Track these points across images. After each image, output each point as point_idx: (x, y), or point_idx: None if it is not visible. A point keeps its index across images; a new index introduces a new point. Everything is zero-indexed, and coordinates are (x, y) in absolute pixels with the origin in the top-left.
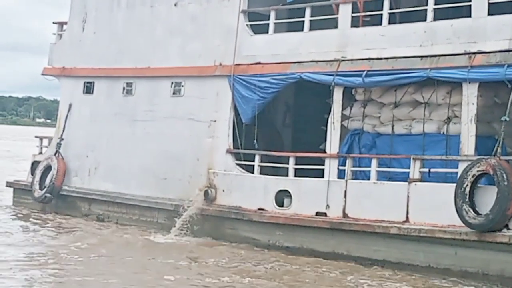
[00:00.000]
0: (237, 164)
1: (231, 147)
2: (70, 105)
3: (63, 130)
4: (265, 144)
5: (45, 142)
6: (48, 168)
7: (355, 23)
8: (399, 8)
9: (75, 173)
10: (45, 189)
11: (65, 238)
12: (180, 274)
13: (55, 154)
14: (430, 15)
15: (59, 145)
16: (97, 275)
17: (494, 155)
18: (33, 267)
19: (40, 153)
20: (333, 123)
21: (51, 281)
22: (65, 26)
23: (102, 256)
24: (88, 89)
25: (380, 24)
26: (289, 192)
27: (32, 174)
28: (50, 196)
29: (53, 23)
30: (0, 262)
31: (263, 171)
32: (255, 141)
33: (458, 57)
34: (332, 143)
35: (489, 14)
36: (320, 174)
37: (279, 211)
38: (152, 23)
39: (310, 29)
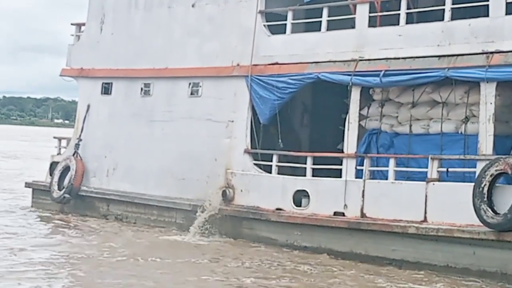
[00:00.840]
0: (255, 164)
1: (249, 147)
2: (88, 106)
3: (81, 131)
4: (283, 144)
5: (64, 143)
6: (66, 169)
7: (372, 23)
8: (417, 8)
9: (93, 174)
10: (63, 190)
11: (86, 239)
12: (202, 275)
13: (73, 154)
14: (447, 14)
15: (77, 145)
16: (121, 277)
17: None
18: (55, 269)
19: (59, 153)
20: (351, 123)
21: (75, 283)
22: (83, 28)
23: (125, 257)
24: (106, 90)
25: (398, 24)
26: (307, 192)
27: (50, 175)
28: (68, 197)
29: (71, 24)
30: (24, 264)
31: (281, 171)
32: (279, 140)
33: (476, 57)
34: (350, 143)
35: (506, 13)
36: (338, 174)
37: (297, 211)
38: (170, 24)
39: (328, 29)
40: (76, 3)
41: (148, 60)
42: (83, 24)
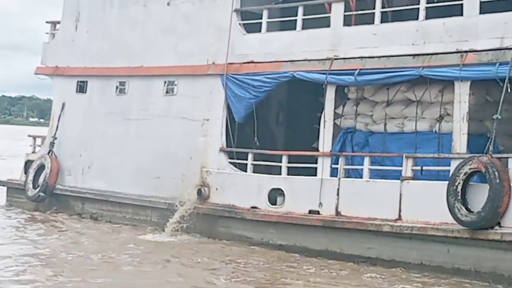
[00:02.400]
0: (230, 162)
1: (224, 145)
2: (63, 104)
3: (56, 129)
4: (258, 143)
5: (39, 141)
6: (41, 167)
7: (347, 22)
8: (391, 7)
9: (68, 172)
10: (38, 188)
11: (57, 237)
12: (168, 274)
13: (48, 153)
14: (422, 13)
15: (52, 144)
16: (88, 275)
17: (486, 153)
18: (23, 267)
19: (34, 152)
20: (326, 121)
21: (45, 279)
22: (58, 26)
23: (94, 255)
24: (81, 88)
25: (373, 23)
26: (282, 191)
27: (25, 173)
28: (43, 195)
29: (46, 22)
30: None
31: (256, 169)
32: (255, 138)
33: (450, 56)
34: (325, 142)
35: (480, 12)
36: (313, 172)
37: (272, 209)
38: (145, 22)
39: (303, 28)
40: (52, 1)
41: (123, 58)
42: (58, 22)
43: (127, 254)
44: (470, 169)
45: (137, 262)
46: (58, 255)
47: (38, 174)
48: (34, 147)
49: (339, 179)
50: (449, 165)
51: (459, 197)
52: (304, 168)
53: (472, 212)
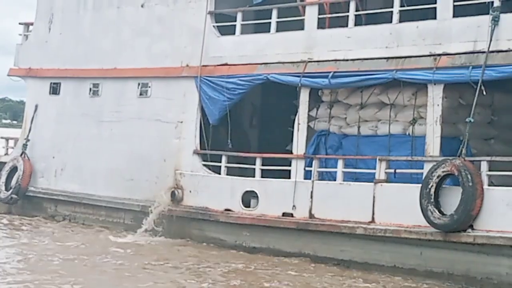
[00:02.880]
0: (204, 165)
1: (198, 148)
2: (36, 106)
3: (29, 131)
4: (232, 145)
5: (11, 143)
6: (14, 169)
7: (321, 24)
8: (365, 10)
9: (41, 174)
10: (11, 190)
11: (27, 239)
12: (139, 275)
13: (21, 155)
14: (396, 17)
15: (25, 146)
16: (53, 277)
17: (459, 156)
18: None
19: (6, 154)
20: (300, 124)
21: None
22: (31, 27)
23: (62, 257)
24: (55, 90)
25: (347, 26)
26: (256, 193)
27: None
28: (16, 197)
29: (20, 24)
30: None
31: (230, 172)
32: (229, 141)
33: (423, 59)
34: (299, 144)
35: (454, 16)
36: (286, 175)
37: (245, 212)
38: (119, 24)
39: (277, 31)
40: (25, 2)
41: (97, 60)
42: (32, 24)
43: (98, 256)
44: (443, 172)
45: (107, 265)
46: (25, 257)
47: (11, 176)
48: (7, 149)
49: (313, 181)
50: (422, 168)
51: (432, 200)
52: (278, 170)
53: (445, 215)
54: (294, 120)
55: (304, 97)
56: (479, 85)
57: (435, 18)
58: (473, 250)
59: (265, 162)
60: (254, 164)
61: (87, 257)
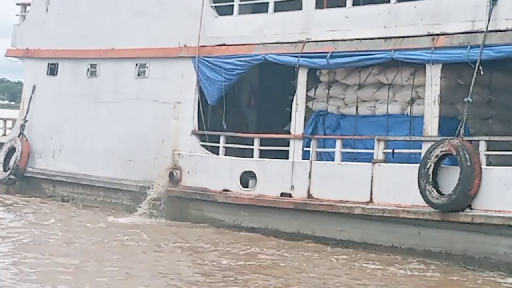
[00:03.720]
0: (202, 145)
1: (196, 128)
2: (34, 87)
3: (27, 112)
4: (230, 126)
5: (9, 124)
6: (12, 150)
7: (319, 4)
8: None
9: (39, 155)
10: (9, 171)
11: (26, 219)
12: (136, 257)
13: (19, 135)
14: None
15: (23, 126)
16: (54, 257)
17: (457, 136)
18: None
19: (4, 135)
20: (298, 104)
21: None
22: (28, 8)
23: (62, 237)
24: (52, 70)
25: (345, 6)
26: (254, 173)
27: None
28: (14, 178)
29: (17, 4)
30: None
31: (228, 152)
32: (223, 122)
33: (421, 39)
34: (297, 125)
35: None
36: (285, 155)
37: (244, 192)
38: (117, 4)
39: (275, 11)
40: None
41: (94, 40)
42: (29, 4)
43: (95, 236)
44: (441, 152)
45: (104, 245)
46: (24, 237)
47: (9, 157)
48: (5, 130)
49: (311, 162)
50: (421, 148)
51: (430, 180)
52: (276, 151)
53: (443, 194)
54: (292, 100)
55: (302, 77)
56: (477, 64)
57: None
58: (471, 230)
59: (263, 142)
60: (252, 145)
61: (80, 236)
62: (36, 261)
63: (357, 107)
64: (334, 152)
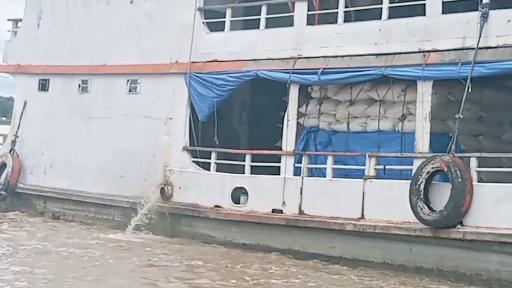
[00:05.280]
0: (194, 161)
1: (188, 144)
2: (25, 103)
3: (18, 128)
4: (221, 142)
5: (0, 139)
6: (3, 166)
7: (310, 21)
8: (354, 6)
9: (30, 171)
10: (0, 187)
11: (17, 235)
12: (128, 273)
13: (10, 151)
14: (385, 13)
15: (14, 142)
16: (44, 274)
17: (448, 152)
18: None
19: None
20: (289, 120)
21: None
22: (20, 23)
23: (53, 253)
24: (43, 86)
25: (336, 22)
26: (246, 189)
27: None
28: (5, 194)
29: (8, 20)
30: None
31: (220, 168)
32: (215, 138)
33: (412, 55)
34: (288, 141)
35: (443, 12)
36: (276, 171)
37: (235, 208)
38: (108, 20)
39: (266, 27)
40: None
41: (86, 56)
42: (20, 20)
43: (86, 252)
44: (432, 168)
45: (94, 261)
46: (15, 253)
47: (0, 172)
48: None
49: (302, 178)
50: (412, 164)
51: (422, 196)
52: (268, 167)
53: (435, 211)
54: (283, 116)
55: (293, 93)
56: (468, 81)
57: (424, 14)
58: (462, 246)
59: (254, 158)
60: (244, 161)
61: (71, 252)
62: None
63: (348, 123)
64: (325, 168)
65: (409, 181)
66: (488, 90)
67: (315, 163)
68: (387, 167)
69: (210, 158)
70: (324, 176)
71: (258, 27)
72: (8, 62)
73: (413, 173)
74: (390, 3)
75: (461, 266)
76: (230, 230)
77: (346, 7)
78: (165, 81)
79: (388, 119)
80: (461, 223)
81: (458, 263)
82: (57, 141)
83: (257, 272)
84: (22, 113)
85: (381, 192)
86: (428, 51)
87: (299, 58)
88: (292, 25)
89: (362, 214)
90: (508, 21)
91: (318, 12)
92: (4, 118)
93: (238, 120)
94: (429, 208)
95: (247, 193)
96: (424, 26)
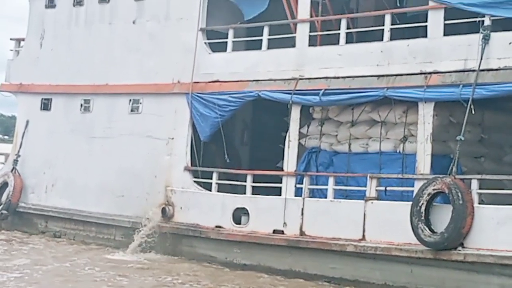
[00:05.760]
0: (195, 181)
1: (189, 164)
2: (27, 122)
3: (20, 147)
4: (222, 162)
5: (2, 158)
6: (4, 185)
7: (312, 42)
8: (356, 28)
9: (32, 190)
10: (1, 206)
11: (19, 255)
12: None
13: (11, 170)
14: (386, 35)
15: (16, 161)
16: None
17: (449, 174)
18: None
19: None
20: (291, 141)
21: None
22: (22, 43)
23: (55, 273)
24: (46, 105)
25: (338, 43)
26: (247, 210)
27: None
28: (6, 213)
29: (11, 39)
30: None
31: (221, 188)
32: (225, 155)
33: (414, 77)
34: (290, 161)
35: (444, 34)
36: (277, 192)
37: (236, 229)
38: (110, 40)
39: (268, 48)
40: (15, 15)
41: (88, 76)
42: (23, 39)
43: (88, 272)
44: (433, 190)
45: (96, 281)
46: (17, 273)
47: (1, 192)
48: None
49: (304, 199)
50: (413, 186)
51: (423, 218)
52: (269, 187)
53: (436, 232)
54: (285, 137)
55: (295, 114)
56: (469, 103)
57: (426, 36)
58: (463, 268)
59: (256, 179)
60: (245, 181)
61: (72, 272)
62: None
63: (349, 144)
64: (326, 189)
65: (410, 203)
66: (489, 112)
67: (316, 184)
68: (388, 188)
69: (211, 178)
70: (325, 197)
71: (260, 48)
72: (11, 81)
73: (414, 195)
74: (392, 24)
75: None
76: (231, 250)
77: (348, 28)
78: (167, 101)
79: (390, 141)
80: (462, 245)
81: (459, 285)
82: (59, 160)
83: None
84: (24, 132)
85: (382, 213)
86: (430, 73)
87: (301, 79)
88: (294, 46)
89: (363, 235)
90: (510, 43)
91: (320, 33)
92: (6, 137)
93: (239, 140)
94: (430, 229)
95: (248, 214)
96: (425, 48)
